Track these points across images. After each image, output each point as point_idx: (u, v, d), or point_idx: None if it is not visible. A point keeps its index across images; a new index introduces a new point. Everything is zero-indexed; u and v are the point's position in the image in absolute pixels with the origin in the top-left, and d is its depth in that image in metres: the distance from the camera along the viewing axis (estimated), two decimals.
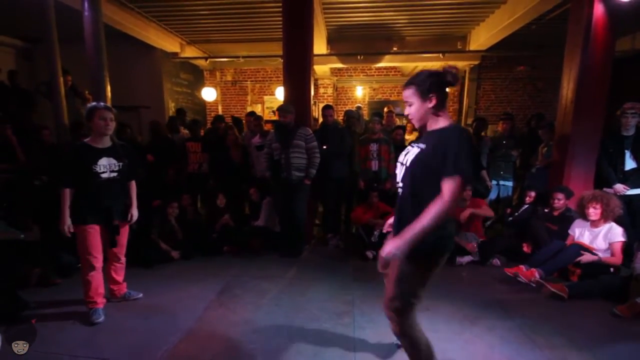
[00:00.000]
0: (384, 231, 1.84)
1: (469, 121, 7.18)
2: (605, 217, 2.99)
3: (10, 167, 3.70)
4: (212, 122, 4.99)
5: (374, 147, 3.98)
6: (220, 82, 8.68)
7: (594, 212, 3.00)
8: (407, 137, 4.82)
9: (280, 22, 3.89)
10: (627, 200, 3.35)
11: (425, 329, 2.30)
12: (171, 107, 7.26)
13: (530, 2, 4.56)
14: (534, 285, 2.94)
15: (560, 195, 3.46)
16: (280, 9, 3.88)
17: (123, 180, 2.46)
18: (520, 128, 5.12)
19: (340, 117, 6.47)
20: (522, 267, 3.06)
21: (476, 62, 7.26)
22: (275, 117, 7.97)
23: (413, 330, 1.62)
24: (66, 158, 2.33)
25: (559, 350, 2.11)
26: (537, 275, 2.92)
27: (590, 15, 3.46)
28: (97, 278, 2.41)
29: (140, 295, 2.75)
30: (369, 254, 3.61)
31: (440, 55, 6.52)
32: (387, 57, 7.00)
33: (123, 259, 2.65)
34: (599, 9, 3.45)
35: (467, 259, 3.49)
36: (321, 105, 4.77)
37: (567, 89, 3.73)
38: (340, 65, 7.61)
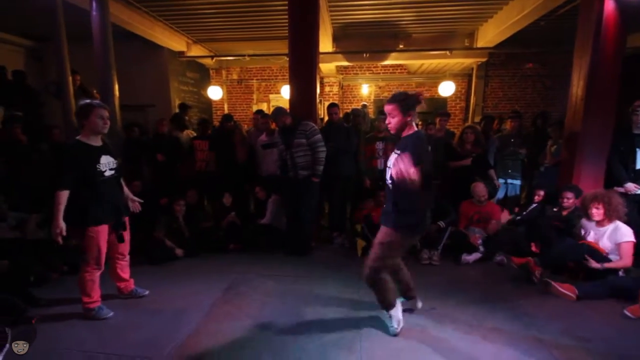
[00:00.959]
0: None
1: (477, 119, 7.10)
2: (609, 217, 2.94)
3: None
4: (221, 121, 5.01)
5: (379, 145, 3.96)
6: (226, 80, 8.70)
7: (596, 212, 2.96)
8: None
9: (286, 21, 3.89)
10: (638, 199, 3.29)
11: (432, 328, 2.32)
12: (177, 106, 7.30)
13: None
14: (535, 281, 2.93)
15: (570, 195, 3.42)
16: (286, 7, 3.88)
17: (120, 178, 2.49)
18: (526, 127, 5.06)
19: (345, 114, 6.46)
20: (531, 260, 3.04)
21: (484, 59, 7.18)
22: None
23: (381, 281, 2.19)
24: (69, 158, 2.22)
25: (567, 350, 2.09)
26: (540, 270, 2.95)
27: (600, 11, 3.40)
28: (98, 277, 2.43)
29: (147, 292, 2.78)
30: None
31: (447, 52, 6.46)
32: (393, 54, 6.94)
33: (127, 256, 2.68)
34: (609, 5, 3.39)
35: (473, 257, 3.46)
36: (327, 104, 4.76)
37: (577, 86, 3.67)
38: (346, 63, 7.57)
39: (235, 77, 8.73)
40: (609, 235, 2.92)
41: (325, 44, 6.24)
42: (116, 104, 3.97)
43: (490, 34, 6.00)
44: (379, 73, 8.32)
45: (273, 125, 4.18)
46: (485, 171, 3.98)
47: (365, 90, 8.47)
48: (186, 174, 4.51)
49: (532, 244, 3.51)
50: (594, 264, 2.84)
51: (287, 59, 3.97)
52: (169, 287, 2.92)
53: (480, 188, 3.69)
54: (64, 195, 2.16)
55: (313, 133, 3.57)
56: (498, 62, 7.68)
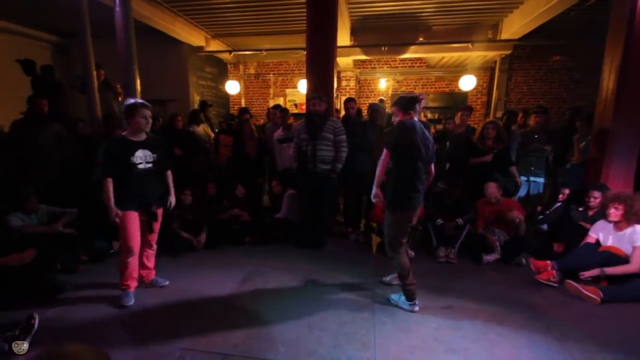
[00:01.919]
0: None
1: (499, 114, 6.87)
2: (627, 220, 2.80)
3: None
4: (237, 115, 5.06)
5: None
6: (243, 75, 8.77)
7: (614, 212, 2.82)
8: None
9: (304, 14, 3.86)
10: None
11: (448, 327, 2.29)
12: (196, 100, 7.42)
13: None
14: (554, 285, 2.83)
15: (597, 194, 3.27)
16: (304, 1, 3.85)
17: (158, 170, 2.62)
18: (552, 122, 4.85)
19: (364, 110, 6.39)
20: (549, 263, 2.94)
21: (508, 52, 6.91)
22: (297, 111, 8.03)
23: (400, 256, 2.47)
24: (108, 151, 2.47)
25: (590, 355, 2.01)
26: (555, 275, 2.86)
27: (634, 1, 3.20)
28: (133, 263, 2.57)
29: (167, 282, 2.87)
30: None
31: (469, 45, 6.26)
32: (412, 48, 6.79)
33: (155, 246, 2.80)
34: None
35: (493, 257, 3.38)
36: (343, 98, 4.72)
37: (608, 79, 3.49)
38: (363, 57, 7.47)
39: (252, 71, 8.79)
40: (629, 239, 2.78)
41: (343, 37, 6.18)
42: (138, 98, 4.06)
43: (516, 25, 5.77)
44: (397, 67, 8.18)
45: (290, 120, 4.18)
46: (506, 168, 3.86)
47: (383, 84, 8.35)
48: (202, 167, 4.59)
49: (555, 244, 3.39)
50: (587, 274, 2.79)
51: (305, 53, 3.95)
52: (187, 278, 2.99)
53: (492, 189, 3.50)
54: (109, 182, 2.42)
55: (341, 132, 3.57)
56: (523, 54, 7.39)
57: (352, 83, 8.20)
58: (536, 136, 4.26)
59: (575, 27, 5.97)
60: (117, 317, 2.41)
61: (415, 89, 8.24)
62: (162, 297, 2.69)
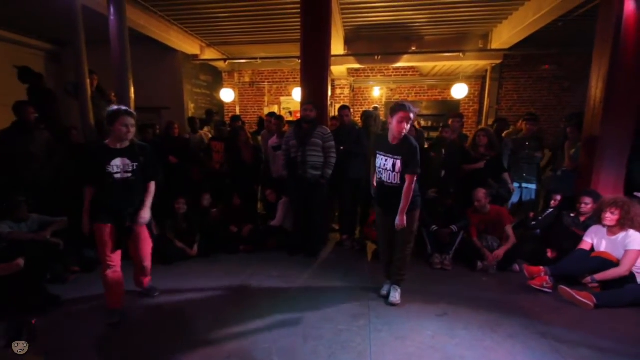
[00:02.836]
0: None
1: (490, 122, 6.98)
2: (622, 225, 2.83)
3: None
4: (229, 122, 5.08)
5: None
6: (238, 83, 8.80)
7: (610, 217, 2.85)
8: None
9: (298, 24, 3.91)
10: None
11: (443, 334, 2.28)
12: (190, 108, 7.42)
13: None
14: (548, 291, 2.85)
15: (588, 200, 3.32)
16: (299, 10, 3.90)
17: (139, 181, 2.42)
18: (546, 129, 4.91)
19: (357, 118, 6.45)
20: (543, 269, 2.96)
21: (498, 61, 7.05)
22: (291, 118, 8.06)
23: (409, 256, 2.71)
24: (85, 158, 2.43)
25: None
26: (548, 280, 2.88)
27: (620, 12, 3.30)
28: (113, 278, 2.39)
29: (157, 293, 2.81)
30: None
31: (461, 54, 6.38)
32: (405, 57, 6.89)
33: (149, 265, 2.67)
34: (629, 5, 3.29)
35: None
36: (338, 106, 4.76)
37: (596, 88, 3.57)
38: (357, 66, 7.56)
39: (247, 79, 8.82)
40: (622, 243, 2.82)
41: (337, 46, 6.25)
42: (132, 106, 4.05)
43: (506, 35, 5.90)
44: (391, 75, 8.28)
45: (285, 128, 4.20)
46: (499, 175, 3.90)
47: (377, 92, 8.43)
48: (198, 175, 4.58)
49: (548, 250, 3.42)
50: (586, 279, 2.83)
51: (299, 61, 3.98)
52: (180, 288, 2.95)
53: (480, 194, 3.49)
54: (88, 191, 2.36)
55: (329, 138, 3.61)
56: (513, 63, 7.54)
57: (347, 91, 8.27)
58: (527, 143, 4.32)
59: (564, 37, 6.12)
60: (107, 328, 2.36)
61: (408, 97, 8.34)
62: (154, 306, 2.64)
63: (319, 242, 3.90)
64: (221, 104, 8.69)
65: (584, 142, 3.75)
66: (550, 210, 3.73)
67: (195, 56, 7.30)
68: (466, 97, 7.45)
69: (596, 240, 3.00)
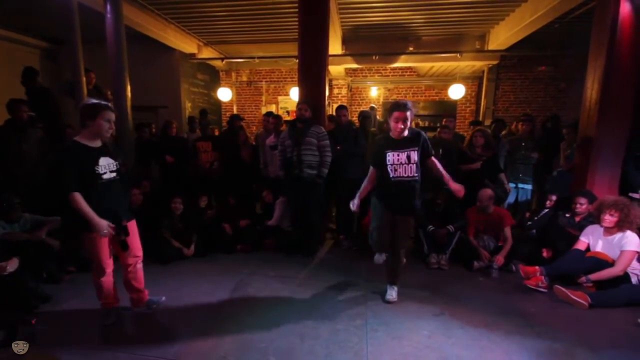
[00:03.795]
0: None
1: (487, 122, 7.01)
2: (620, 227, 2.85)
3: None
4: (229, 121, 5.06)
5: None
6: (235, 82, 8.79)
7: (609, 219, 2.86)
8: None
9: (296, 23, 3.91)
10: None
11: (440, 333, 2.29)
12: (188, 107, 7.40)
13: (553, 0, 4.42)
14: (543, 290, 2.87)
15: (583, 200, 3.34)
16: (296, 10, 3.90)
17: (122, 180, 2.31)
18: (537, 130, 4.96)
19: (355, 118, 6.45)
20: (538, 269, 2.98)
21: (495, 62, 7.09)
22: (289, 118, 8.07)
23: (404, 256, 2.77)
24: (67, 160, 2.08)
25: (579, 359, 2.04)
26: (543, 280, 2.90)
27: (616, 14, 3.33)
28: (107, 282, 2.35)
29: (163, 298, 2.65)
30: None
31: (458, 55, 6.40)
32: (402, 57, 6.91)
33: (140, 263, 2.50)
34: (625, 7, 3.32)
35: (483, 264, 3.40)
36: (335, 106, 4.78)
37: (592, 89, 3.60)
38: (355, 66, 7.57)
39: (244, 79, 8.81)
40: (618, 244, 2.84)
41: (335, 46, 6.25)
42: (128, 105, 4.03)
43: (502, 36, 5.93)
44: (388, 76, 8.30)
45: (283, 127, 4.19)
46: (495, 175, 3.92)
47: (374, 92, 8.45)
48: (194, 174, 4.57)
49: (544, 250, 3.44)
50: (581, 279, 2.85)
51: (297, 61, 3.98)
52: (177, 288, 2.93)
53: (486, 194, 3.49)
54: (79, 197, 2.07)
55: (324, 137, 3.62)
56: (510, 64, 7.58)
57: (344, 91, 8.28)
58: (523, 144, 4.35)
59: (560, 39, 6.17)
60: (102, 328, 2.34)
61: (406, 97, 8.36)
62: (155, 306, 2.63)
63: (316, 242, 3.90)
64: (218, 103, 8.67)
65: (579, 143, 3.78)
66: (546, 210, 3.76)
67: (192, 55, 7.28)
68: (463, 97, 7.48)
69: (592, 240, 3.02)
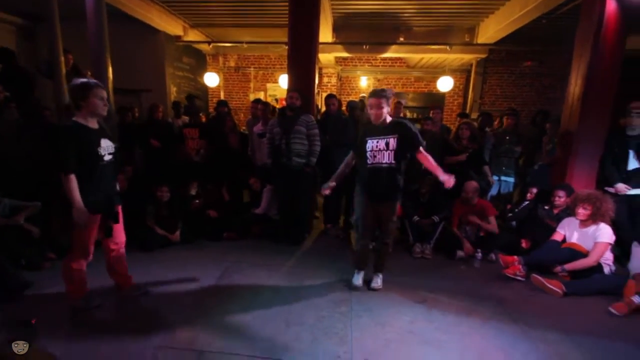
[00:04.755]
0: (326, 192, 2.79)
1: (474, 115, 7.11)
2: (593, 219, 2.97)
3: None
4: (215, 107, 4.96)
5: None
6: (223, 67, 8.58)
7: (582, 212, 2.98)
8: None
9: (286, 8, 3.82)
10: (628, 200, 3.34)
11: (422, 320, 2.36)
12: (173, 92, 7.19)
13: None
14: (521, 279, 2.98)
15: (562, 193, 3.46)
16: None
17: (116, 163, 2.31)
18: (524, 125, 5.07)
19: (344, 107, 6.42)
20: (517, 258, 3.09)
21: (483, 56, 7.15)
22: (277, 105, 7.98)
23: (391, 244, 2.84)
24: (69, 140, 2.04)
25: (553, 344, 2.14)
26: (521, 269, 3.01)
27: (602, 12, 3.39)
28: (84, 266, 2.29)
29: (140, 291, 2.58)
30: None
31: (447, 47, 6.42)
32: (393, 47, 6.88)
33: (123, 249, 2.47)
34: (611, 5, 3.39)
35: (465, 253, 3.50)
36: (325, 95, 4.75)
37: (575, 85, 3.69)
38: (345, 55, 7.50)
39: (232, 64, 8.60)
40: (592, 236, 2.96)
41: (325, 34, 6.16)
42: (110, 87, 3.89)
43: (491, 30, 5.97)
44: (378, 66, 8.26)
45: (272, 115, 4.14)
46: (480, 167, 4.01)
47: (364, 82, 8.42)
48: (179, 160, 4.48)
49: (523, 240, 3.56)
50: (557, 269, 2.99)
51: (286, 47, 3.91)
52: (162, 275, 2.91)
53: (471, 186, 3.57)
54: (73, 179, 2.03)
55: (313, 126, 3.60)
56: (497, 59, 7.66)
57: (334, 80, 8.22)
58: (507, 137, 4.44)
59: (547, 35, 6.25)
60: (85, 314, 2.31)
61: (395, 88, 8.36)
62: (132, 296, 2.60)
63: (303, 230, 3.92)
64: (205, 89, 8.46)
65: (561, 138, 3.89)
66: (526, 202, 3.88)
67: (178, 37, 7.04)
68: (451, 90, 7.54)
69: (568, 232, 3.15)
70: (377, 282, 2.79)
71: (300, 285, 2.82)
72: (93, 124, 2.17)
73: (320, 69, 7.99)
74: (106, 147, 2.19)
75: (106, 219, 2.27)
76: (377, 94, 2.50)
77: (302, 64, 3.83)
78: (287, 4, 3.80)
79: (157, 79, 6.90)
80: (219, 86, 8.35)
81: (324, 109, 4.53)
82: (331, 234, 4.08)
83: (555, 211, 3.51)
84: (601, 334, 2.28)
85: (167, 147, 4.45)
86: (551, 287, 2.76)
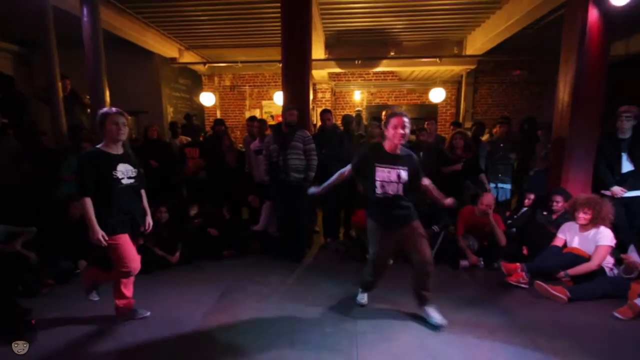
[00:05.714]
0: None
1: (467, 125, 7.22)
2: (594, 223, 2.98)
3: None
4: (212, 126, 5.01)
5: None
6: (218, 87, 8.70)
7: (583, 217, 2.99)
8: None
9: (279, 27, 3.92)
10: (624, 202, 3.37)
11: (428, 332, 2.32)
12: (170, 112, 7.27)
13: (525, 7, 4.62)
14: (524, 286, 2.96)
15: (559, 198, 3.48)
16: (279, 14, 3.91)
17: (139, 188, 2.44)
18: (514, 132, 5.17)
19: (339, 122, 6.51)
20: (519, 265, 3.07)
21: (473, 67, 7.33)
22: (273, 122, 8.05)
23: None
24: (84, 165, 2.20)
25: (562, 353, 2.11)
26: (524, 276, 2.99)
27: (585, 20, 3.51)
28: (131, 282, 2.45)
29: (148, 313, 2.56)
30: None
31: (437, 60, 6.58)
32: (384, 61, 7.04)
33: (135, 272, 2.46)
34: (593, 14, 3.50)
35: (468, 262, 3.48)
36: (319, 110, 4.82)
37: (564, 92, 3.77)
38: (338, 70, 7.65)
39: (227, 83, 8.73)
40: (593, 239, 2.97)
41: (318, 50, 6.30)
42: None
43: (479, 42, 6.14)
44: (371, 80, 8.42)
45: (267, 132, 4.18)
46: (476, 176, 4.04)
47: (358, 96, 8.55)
48: (181, 179, 4.49)
49: (524, 247, 3.56)
50: (559, 274, 2.97)
51: (280, 65, 3.99)
52: (161, 297, 2.86)
53: (490, 200, 3.49)
54: (89, 202, 2.16)
55: (310, 141, 3.63)
56: (487, 69, 7.84)
57: (328, 95, 8.35)
58: (501, 145, 4.50)
59: (533, 45, 6.43)
60: (82, 342, 2.25)
61: (389, 101, 8.51)
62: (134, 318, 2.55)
63: (304, 246, 3.89)
64: (201, 108, 8.56)
65: (553, 144, 3.95)
66: (525, 209, 3.89)
67: (173, 59, 7.17)
68: (443, 101, 7.68)
69: (569, 236, 3.15)
70: (436, 316, 2.40)
71: (302, 303, 2.77)
72: (115, 149, 2.30)
73: (315, 84, 8.12)
74: (125, 171, 2.30)
75: (134, 238, 2.39)
76: (401, 113, 2.34)
77: (296, 81, 3.91)
78: (279, 23, 3.90)
79: (154, 100, 6.99)
80: (215, 105, 8.45)
81: (319, 124, 4.59)
82: (331, 248, 4.05)
83: (554, 216, 3.52)
84: (609, 339, 2.26)
85: (165, 167, 4.46)
86: (556, 293, 2.74)
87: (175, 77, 7.55)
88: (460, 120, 7.80)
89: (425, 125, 4.74)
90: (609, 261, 2.95)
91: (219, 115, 8.54)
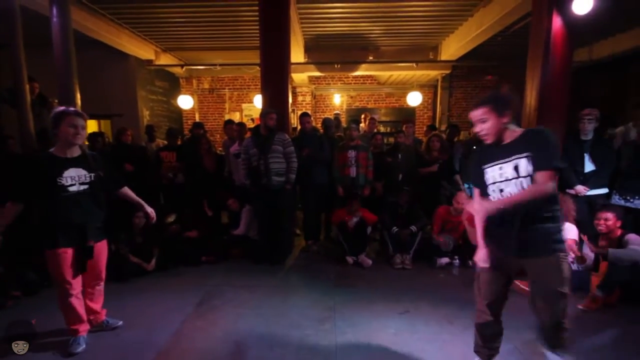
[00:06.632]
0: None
1: (443, 127, 7.44)
2: None
3: None
4: (191, 129, 4.93)
5: (352, 153, 4.03)
6: (197, 89, 8.56)
7: None
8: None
9: (257, 30, 3.92)
10: (587, 200, 3.57)
11: (405, 331, 2.38)
12: (145, 115, 7.08)
13: (495, 15, 4.84)
14: None
15: None
16: (257, 18, 3.92)
17: (96, 194, 2.17)
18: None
19: (319, 125, 6.57)
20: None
21: (447, 72, 7.57)
22: (253, 125, 8.01)
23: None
24: (24, 170, 2.00)
25: (531, 344, 2.21)
26: None
27: (549, 28, 3.70)
28: (76, 304, 2.17)
29: (120, 323, 2.47)
30: (349, 259, 3.66)
31: (414, 64, 6.76)
32: (363, 65, 7.17)
33: (101, 284, 2.38)
34: (557, 22, 3.70)
35: (445, 260, 3.59)
36: (299, 113, 4.85)
37: (531, 97, 3.96)
38: (317, 74, 7.70)
39: (206, 86, 8.61)
40: None
41: (297, 54, 6.34)
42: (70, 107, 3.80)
43: (453, 48, 6.36)
44: (350, 83, 8.53)
45: (247, 135, 4.16)
46: (451, 176, 4.17)
47: (338, 100, 8.64)
48: (156, 184, 4.39)
49: None
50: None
51: (259, 68, 3.99)
52: (138, 304, 2.79)
53: (463, 197, 3.55)
54: (9, 207, 2.02)
55: (289, 144, 3.64)
56: (461, 74, 8.12)
57: (308, 98, 8.38)
58: (474, 147, 4.66)
59: (503, 51, 6.74)
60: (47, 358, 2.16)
61: (368, 104, 8.64)
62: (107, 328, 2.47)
63: (286, 249, 3.89)
64: (179, 111, 8.39)
65: None
66: None
67: (149, 61, 7.00)
68: (420, 104, 7.88)
69: None
70: None
71: (282, 305, 2.78)
72: (68, 153, 2.09)
73: (295, 87, 8.14)
74: (76, 176, 2.08)
75: (79, 254, 2.14)
76: (479, 103, 1.73)
77: (275, 84, 3.91)
78: (258, 26, 3.90)
79: (129, 103, 6.79)
80: (193, 108, 8.30)
81: (299, 127, 4.61)
82: (312, 251, 4.07)
83: None
84: (575, 330, 2.38)
85: (141, 171, 4.35)
86: (525, 287, 2.86)
87: (151, 80, 7.37)
88: (437, 123, 8.03)
89: (404, 128, 4.86)
90: (572, 257, 3.11)
91: (197, 119, 8.40)
